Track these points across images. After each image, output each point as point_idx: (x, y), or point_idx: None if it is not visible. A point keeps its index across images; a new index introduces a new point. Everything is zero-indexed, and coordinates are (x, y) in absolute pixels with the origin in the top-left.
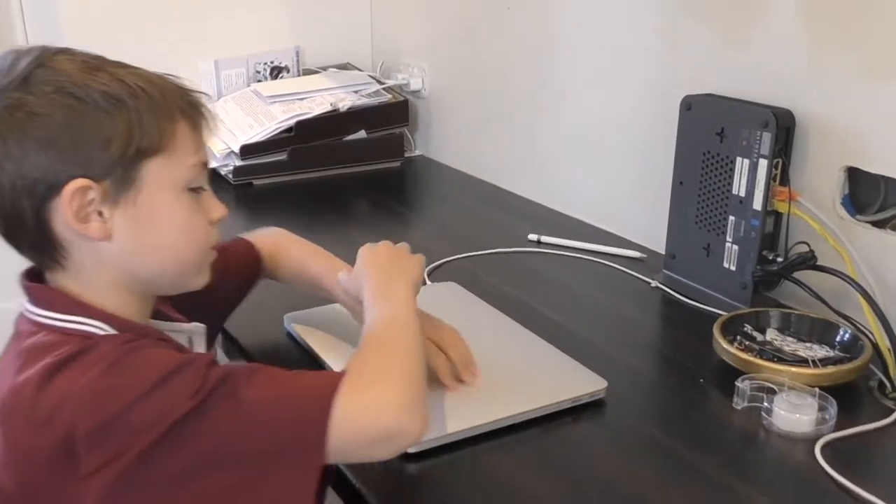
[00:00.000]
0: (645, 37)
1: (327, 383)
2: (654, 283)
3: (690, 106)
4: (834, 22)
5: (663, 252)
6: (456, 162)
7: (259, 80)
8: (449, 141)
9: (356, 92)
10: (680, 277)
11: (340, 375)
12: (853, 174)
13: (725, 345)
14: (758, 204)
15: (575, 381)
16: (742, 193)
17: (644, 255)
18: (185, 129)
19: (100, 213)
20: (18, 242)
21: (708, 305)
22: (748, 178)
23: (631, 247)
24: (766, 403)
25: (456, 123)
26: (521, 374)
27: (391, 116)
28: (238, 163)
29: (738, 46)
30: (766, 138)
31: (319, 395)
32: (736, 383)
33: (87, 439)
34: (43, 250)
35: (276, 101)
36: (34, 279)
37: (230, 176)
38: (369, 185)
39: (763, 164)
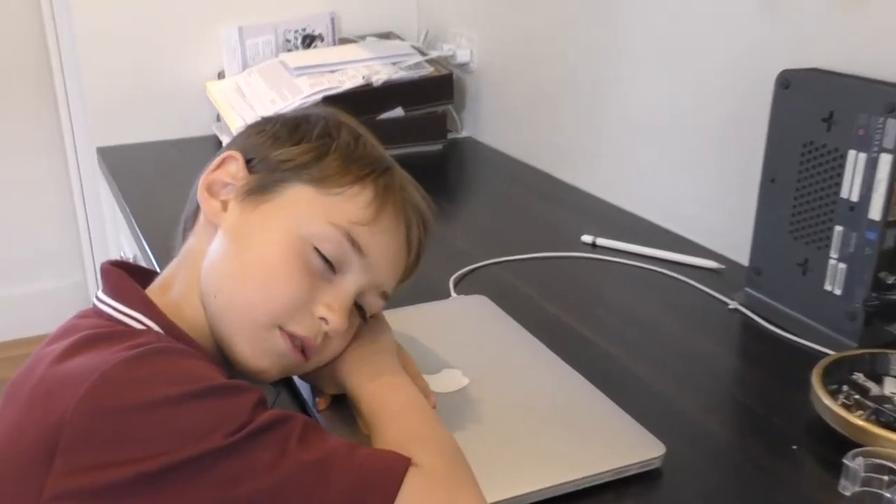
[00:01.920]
0: None
1: (391, 468)
2: (732, 305)
3: (789, 83)
4: None
5: (746, 264)
6: (506, 146)
7: (289, 50)
8: (499, 122)
9: (394, 64)
10: (766, 299)
11: (404, 461)
12: None
13: (827, 400)
14: (875, 212)
15: (623, 444)
16: (854, 197)
17: (722, 267)
18: (363, 193)
19: (226, 203)
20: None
21: (802, 338)
22: (864, 177)
23: (706, 255)
24: (887, 492)
25: (507, 102)
26: (548, 432)
27: (433, 92)
28: None
29: (853, 6)
30: (892, 126)
31: (383, 482)
32: (844, 461)
33: (74, 429)
34: (187, 221)
35: (303, 74)
36: (117, 266)
37: None
38: (405, 170)
39: (886, 160)
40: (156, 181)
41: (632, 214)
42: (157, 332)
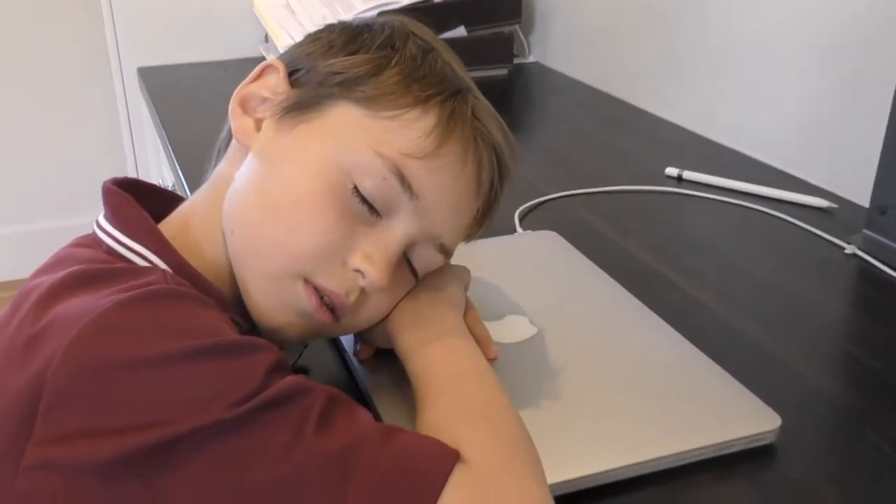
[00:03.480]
0: None
1: (432, 463)
2: (849, 249)
3: None
4: None
5: (863, 203)
6: (578, 72)
7: None
8: (571, 44)
9: None
10: (892, 243)
11: (449, 457)
12: None
13: None
14: None
15: (727, 413)
16: None
17: (833, 206)
18: (424, 120)
19: (260, 122)
20: None
21: None
22: None
23: (814, 192)
24: None
25: (581, 22)
26: (632, 395)
27: (499, 11)
28: None
29: None
30: None
31: (419, 486)
32: None
33: (56, 386)
34: (221, 143)
35: None
36: (123, 186)
37: None
38: None
39: None
40: (196, 104)
41: (723, 146)
42: (163, 271)
